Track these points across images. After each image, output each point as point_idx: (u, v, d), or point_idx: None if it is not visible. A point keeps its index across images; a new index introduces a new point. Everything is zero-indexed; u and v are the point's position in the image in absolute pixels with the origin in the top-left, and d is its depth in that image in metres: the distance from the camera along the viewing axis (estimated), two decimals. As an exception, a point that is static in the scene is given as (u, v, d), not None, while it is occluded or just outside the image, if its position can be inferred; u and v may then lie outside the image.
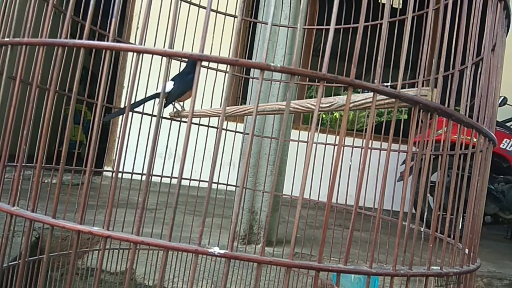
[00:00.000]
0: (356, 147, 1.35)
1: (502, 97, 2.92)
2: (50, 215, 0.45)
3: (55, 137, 1.14)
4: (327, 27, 1.49)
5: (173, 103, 1.25)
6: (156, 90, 1.27)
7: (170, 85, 1.20)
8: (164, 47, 0.44)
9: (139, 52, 0.44)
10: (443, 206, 0.76)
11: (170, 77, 1.24)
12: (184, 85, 1.20)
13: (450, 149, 0.76)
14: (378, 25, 1.30)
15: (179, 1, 1.28)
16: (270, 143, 1.80)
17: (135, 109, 1.28)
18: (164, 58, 0.44)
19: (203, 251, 0.42)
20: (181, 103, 1.28)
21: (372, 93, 0.46)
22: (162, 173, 1.41)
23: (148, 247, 1.45)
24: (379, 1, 1.47)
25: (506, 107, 3.01)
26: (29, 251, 1.16)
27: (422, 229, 0.98)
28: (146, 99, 1.17)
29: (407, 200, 1.66)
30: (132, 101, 1.24)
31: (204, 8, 1.23)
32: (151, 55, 0.45)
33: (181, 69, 1.28)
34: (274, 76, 1.66)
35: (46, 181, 2.11)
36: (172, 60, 0.51)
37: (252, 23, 1.70)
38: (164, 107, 1.18)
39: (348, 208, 1.26)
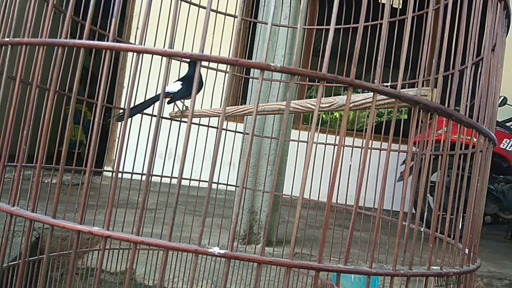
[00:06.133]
0: (356, 147, 1.35)
1: (502, 97, 2.92)
2: (50, 215, 0.45)
3: (55, 137, 1.14)
4: (327, 27, 1.49)
5: (176, 102, 1.25)
6: (156, 90, 1.27)
7: (177, 85, 1.20)
8: (164, 47, 0.44)
9: (139, 52, 0.44)
10: (443, 206, 0.76)
11: (175, 78, 1.23)
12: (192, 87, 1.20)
13: (450, 149, 0.76)
14: (378, 25, 1.30)
15: (179, 1, 1.28)
16: (270, 143, 1.80)
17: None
18: (164, 58, 0.44)
19: (203, 251, 0.42)
20: (183, 102, 1.28)
21: (372, 93, 0.46)
22: (162, 173, 1.41)
23: (148, 247, 1.45)
24: (379, 1, 1.47)
25: (506, 107, 3.01)
26: (29, 251, 1.16)
27: (422, 229, 0.98)
28: (149, 102, 1.16)
29: (407, 200, 1.66)
30: (132, 102, 1.24)
31: (204, 8, 1.23)
32: (151, 55, 0.45)
33: (181, 69, 1.28)
34: (274, 76, 1.66)
35: (46, 181, 2.11)
36: (172, 60, 0.51)
37: (252, 23, 1.71)
38: (168, 103, 1.18)
39: (348, 208, 1.26)
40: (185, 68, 1.27)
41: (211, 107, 1.22)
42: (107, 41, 0.90)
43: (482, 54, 0.68)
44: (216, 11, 1.39)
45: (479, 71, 0.68)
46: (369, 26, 1.28)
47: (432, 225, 0.57)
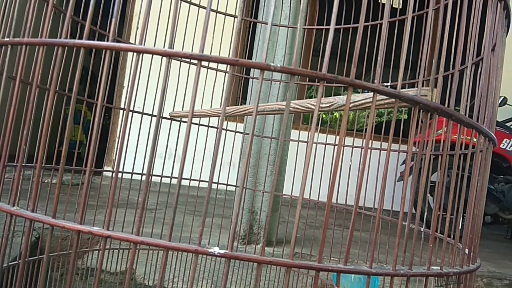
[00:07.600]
0: (356, 147, 1.35)
1: (502, 97, 2.92)
2: (50, 215, 0.45)
3: (55, 137, 1.14)
4: (327, 27, 1.49)
5: None
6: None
7: None
8: (164, 47, 0.44)
9: (139, 52, 0.44)
10: (443, 206, 0.76)
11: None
12: None
13: (450, 149, 0.76)
14: (378, 25, 1.30)
15: (179, 1, 1.28)
16: (270, 143, 1.80)
17: (135, 109, 1.28)
18: (164, 58, 0.44)
19: (203, 251, 0.42)
20: None
21: (372, 93, 0.45)
22: (162, 173, 1.41)
23: (148, 247, 1.45)
24: (379, 1, 1.46)
25: (506, 107, 3.02)
26: (29, 251, 1.16)
27: (422, 229, 0.98)
28: None
29: (407, 200, 1.66)
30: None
31: (204, 8, 1.23)
32: (151, 55, 0.45)
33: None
34: (274, 76, 1.66)
35: (46, 181, 2.11)
36: (172, 60, 0.51)
37: (252, 23, 1.71)
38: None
39: (348, 208, 1.26)
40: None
41: (211, 107, 1.22)
42: (107, 41, 0.90)
43: (482, 54, 0.68)
44: (216, 11, 1.39)
45: (479, 71, 0.68)
46: (369, 26, 1.28)
47: (432, 225, 0.57)
